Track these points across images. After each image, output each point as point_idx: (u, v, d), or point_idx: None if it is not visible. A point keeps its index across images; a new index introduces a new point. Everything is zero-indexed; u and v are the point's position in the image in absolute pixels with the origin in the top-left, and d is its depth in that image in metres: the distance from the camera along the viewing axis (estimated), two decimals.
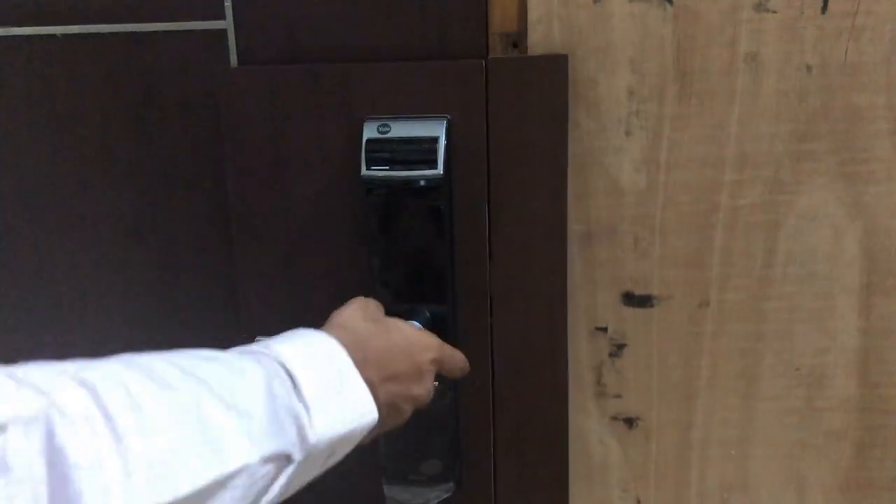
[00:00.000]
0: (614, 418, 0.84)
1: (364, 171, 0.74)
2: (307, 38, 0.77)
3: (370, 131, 0.75)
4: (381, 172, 0.74)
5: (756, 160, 0.76)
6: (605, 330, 0.81)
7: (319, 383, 0.55)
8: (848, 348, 0.79)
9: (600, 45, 0.74)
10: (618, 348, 0.82)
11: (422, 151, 0.74)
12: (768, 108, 0.74)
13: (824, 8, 0.71)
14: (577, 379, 0.82)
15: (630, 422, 0.83)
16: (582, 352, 0.82)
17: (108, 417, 0.43)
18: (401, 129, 0.75)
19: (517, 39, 0.75)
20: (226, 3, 0.78)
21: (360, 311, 0.66)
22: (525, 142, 0.75)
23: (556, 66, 0.74)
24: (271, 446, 0.51)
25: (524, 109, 0.74)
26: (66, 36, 0.82)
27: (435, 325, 0.77)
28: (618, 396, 0.83)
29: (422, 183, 0.74)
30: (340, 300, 0.80)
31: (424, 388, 0.67)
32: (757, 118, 0.75)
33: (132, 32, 0.81)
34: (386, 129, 0.75)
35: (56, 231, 0.88)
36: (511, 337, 0.80)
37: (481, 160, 0.76)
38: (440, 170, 0.73)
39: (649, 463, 0.84)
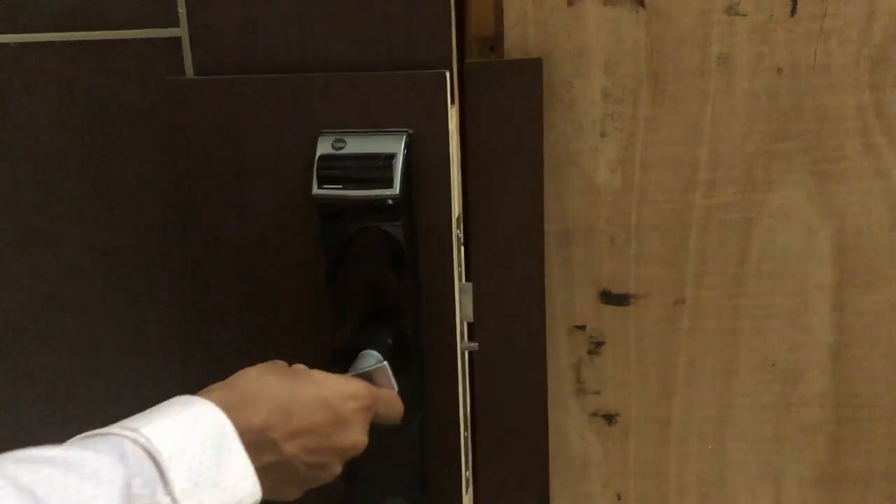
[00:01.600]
0: (594, 415, 0.85)
1: (315, 190, 0.71)
2: (267, 46, 0.74)
3: (324, 147, 0.71)
4: (333, 191, 0.70)
5: (729, 160, 0.77)
6: (583, 328, 0.83)
7: (195, 472, 0.50)
8: (821, 344, 0.81)
9: (575, 48, 0.76)
10: (596, 346, 0.83)
11: (377, 169, 0.70)
12: (740, 109, 0.76)
13: (793, 11, 0.73)
14: (557, 376, 0.84)
15: (609, 418, 0.85)
16: (561, 350, 0.83)
17: None
18: (357, 145, 0.71)
19: (494, 43, 0.77)
20: (180, 10, 0.76)
21: (265, 368, 0.62)
22: (501, 144, 0.76)
23: (530, 70, 0.75)
24: None
25: (500, 112, 0.76)
26: (19, 45, 0.81)
27: (396, 351, 0.72)
28: (597, 393, 0.84)
29: (377, 203, 0.70)
30: (300, 316, 0.77)
31: (351, 439, 0.62)
32: (729, 118, 0.76)
33: (86, 41, 0.80)
34: (341, 144, 0.71)
35: (13, 243, 0.87)
36: (491, 335, 0.81)
37: (445, 176, 0.73)
38: (396, 189, 0.69)
39: (629, 458, 0.86)
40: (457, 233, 0.76)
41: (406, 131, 0.71)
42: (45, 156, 0.84)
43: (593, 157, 0.78)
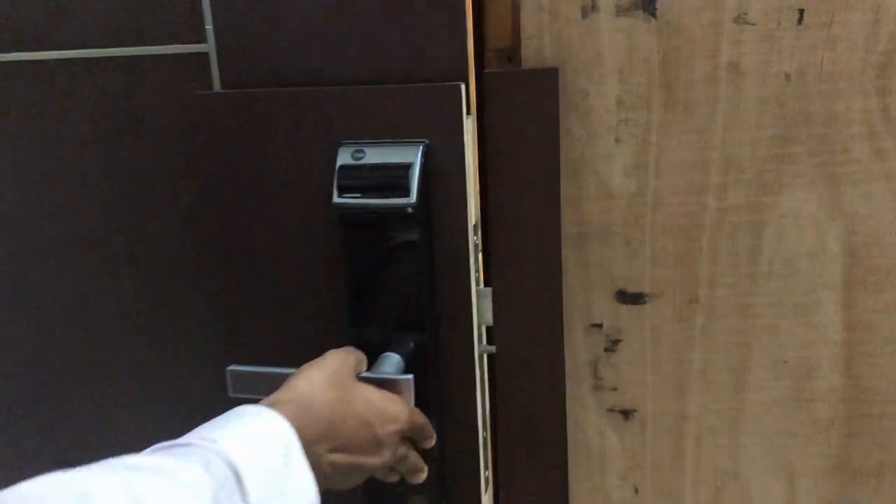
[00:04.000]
0: (611, 410, 0.88)
1: (336, 199, 0.73)
2: (289, 61, 0.77)
3: (344, 157, 0.74)
4: (352, 200, 0.72)
5: (740, 164, 0.80)
6: (600, 327, 0.86)
7: (266, 484, 0.54)
8: (832, 342, 0.83)
9: (589, 57, 0.79)
10: (613, 344, 0.86)
11: (395, 178, 0.72)
12: (750, 115, 0.78)
13: (800, 20, 0.75)
14: (575, 374, 0.87)
15: (626, 413, 0.88)
16: (579, 348, 0.86)
17: None
18: (375, 156, 0.73)
19: (511, 54, 0.80)
20: (207, 27, 0.79)
21: (325, 376, 0.65)
22: (520, 150, 0.79)
23: (547, 78, 0.78)
24: None
25: (518, 119, 0.79)
26: (55, 61, 0.84)
27: (416, 356, 0.75)
28: (614, 389, 0.87)
29: (398, 211, 0.72)
30: (318, 330, 0.79)
31: (381, 460, 0.66)
32: (739, 124, 0.79)
33: (119, 57, 0.83)
34: (360, 154, 0.73)
35: (44, 254, 0.89)
36: (511, 336, 0.84)
37: (461, 185, 0.75)
38: (413, 198, 0.72)
39: (645, 452, 0.89)
40: (474, 240, 0.78)
41: (423, 142, 0.74)
42: (78, 166, 0.87)
43: (608, 163, 0.81)
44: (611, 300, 0.85)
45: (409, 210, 0.72)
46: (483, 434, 0.83)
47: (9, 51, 0.85)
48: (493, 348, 0.82)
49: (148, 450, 0.53)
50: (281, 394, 0.63)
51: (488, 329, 0.84)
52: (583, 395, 0.88)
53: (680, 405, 0.87)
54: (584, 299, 0.85)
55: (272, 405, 0.60)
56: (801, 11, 0.75)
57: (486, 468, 0.85)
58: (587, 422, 0.88)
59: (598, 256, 0.84)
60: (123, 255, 0.89)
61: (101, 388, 0.94)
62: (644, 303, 0.84)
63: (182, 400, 0.92)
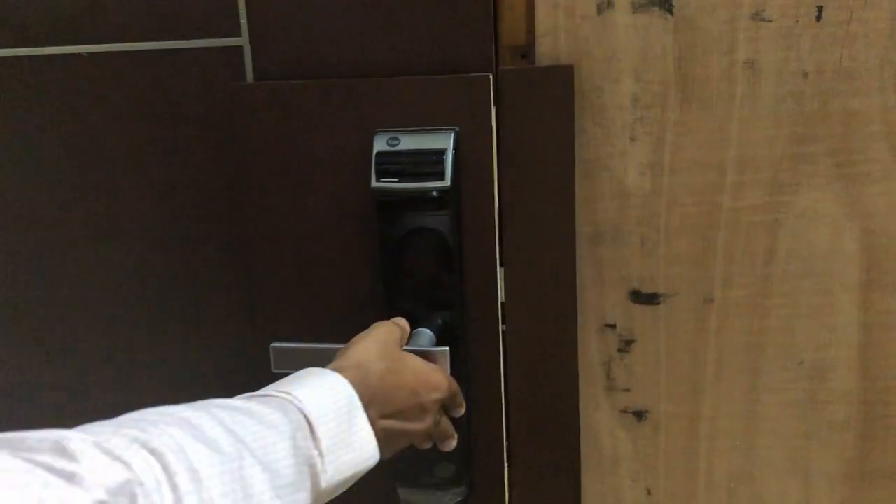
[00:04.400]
0: (624, 411, 0.87)
1: (374, 183, 0.77)
2: (320, 53, 0.80)
3: (380, 144, 0.78)
4: (390, 184, 0.77)
5: (756, 163, 0.79)
6: (613, 327, 0.85)
7: (334, 433, 0.59)
8: (848, 343, 0.82)
9: (604, 55, 0.78)
10: (626, 344, 0.85)
11: (430, 163, 0.76)
12: (767, 113, 0.77)
13: (819, 16, 0.74)
14: (588, 374, 0.86)
15: (639, 415, 0.87)
16: (592, 348, 0.86)
17: (174, 487, 0.47)
18: (410, 142, 0.77)
19: (525, 51, 0.79)
20: (241, 21, 0.82)
21: (377, 347, 0.69)
22: (534, 148, 0.79)
23: (562, 76, 0.77)
24: (291, 498, 0.55)
25: (533, 117, 0.78)
26: (91, 55, 0.86)
27: (445, 331, 0.80)
28: (627, 390, 0.86)
29: (431, 194, 0.76)
30: (353, 308, 0.83)
31: (424, 426, 0.70)
32: (756, 122, 0.78)
33: (154, 50, 0.85)
34: (395, 141, 0.77)
35: (86, 241, 0.92)
36: (524, 335, 0.83)
37: (489, 170, 0.78)
38: (448, 181, 0.76)
39: (658, 454, 0.88)
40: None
41: (454, 129, 0.77)
42: (113, 157, 0.89)
43: (623, 161, 0.80)
44: (625, 300, 0.84)
45: (443, 193, 0.76)
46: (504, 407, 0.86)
47: (45, 44, 0.87)
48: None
49: (234, 398, 0.59)
50: (339, 362, 0.67)
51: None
52: (595, 396, 0.87)
53: (694, 406, 0.86)
54: (598, 299, 0.84)
55: (334, 370, 0.65)
56: (820, 8, 0.74)
57: (507, 438, 0.87)
58: (600, 423, 0.88)
59: (613, 256, 0.83)
60: (165, 244, 0.92)
61: (137, 374, 0.96)
62: (658, 303, 0.83)
63: (215, 374, 0.94)
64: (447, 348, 0.74)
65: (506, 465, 0.86)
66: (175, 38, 0.84)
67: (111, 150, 0.89)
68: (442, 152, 0.76)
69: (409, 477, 0.85)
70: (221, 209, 0.89)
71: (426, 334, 0.78)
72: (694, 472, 0.88)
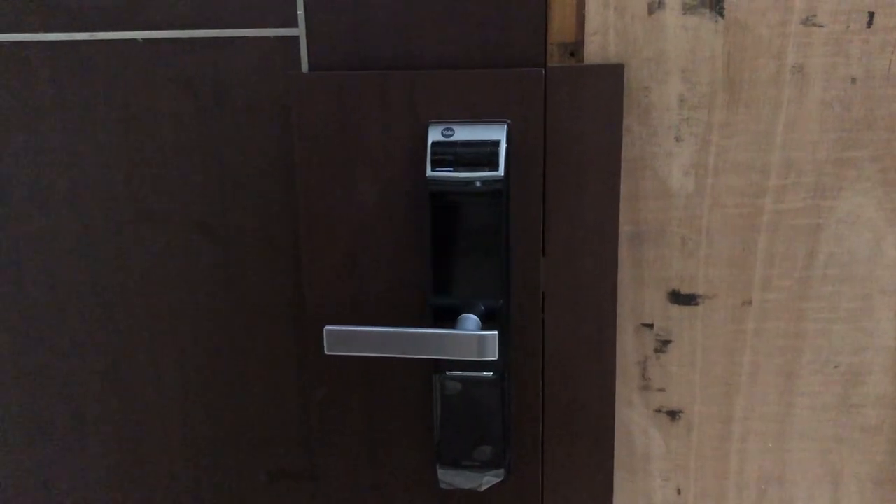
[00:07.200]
0: (658, 411, 0.87)
1: (429, 173, 0.78)
2: (375, 45, 0.81)
3: (435, 134, 0.79)
4: (445, 174, 0.78)
5: (800, 166, 0.79)
6: (651, 326, 0.85)
7: None
8: (884, 348, 0.83)
9: (654, 55, 0.78)
10: (663, 344, 0.85)
11: (484, 154, 0.77)
12: (813, 117, 0.78)
13: (870, 23, 0.75)
14: (623, 373, 0.86)
15: (673, 414, 0.87)
16: (628, 347, 0.86)
17: None
18: (464, 133, 0.79)
19: (574, 49, 0.79)
20: (299, 12, 0.82)
21: None
22: (580, 146, 0.79)
23: (612, 75, 0.77)
24: None
25: (580, 115, 0.78)
26: (146, 41, 0.86)
27: (489, 318, 0.81)
28: (661, 390, 0.87)
29: (483, 184, 0.78)
30: (402, 294, 0.84)
31: None
32: (802, 126, 0.78)
33: (209, 38, 0.85)
34: (450, 132, 0.79)
35: (131, 225, 0.92)
36: (562, 331, 0.84)
37: (538, 163, 0.80)
38: (501, 171, 0.77)
39: (690, 454, 0.88)
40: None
41: (506, 121, 0.79)
42: (163, 143, 0.90)
43: (667, 161, 0.81)
44: (663, 300, 0.84)
45: (495, 183, 0.77)
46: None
47: (101, 30, 0.87)
48: None
49: None
50: None
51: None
52: (630, 395, 0.87)
53: (727, 408, 0.86)
54: (636, 299, 0.84)
55: None
56: (872, 14, 0.74)
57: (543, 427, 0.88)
58: (633, 421, 0.88)
59: (653, 256, 0.83)
60: (210, 230, 0.92)
61: (186, 360, 0.96)
62: (696, 304, 0.84)
63: (257, 359, 0.95)
64: (496, 332, 0.75)
65: (542, 448, 0.88)
66: (232, 28, 0.85)
67: (161, 136, 0.89)
68: (496, 143, 0.77)
69: (448, 459, 0.86)
70: (270, 197, 0.89)
71: (472, 320, 0.79)
72: (725, 472, 0.88)
